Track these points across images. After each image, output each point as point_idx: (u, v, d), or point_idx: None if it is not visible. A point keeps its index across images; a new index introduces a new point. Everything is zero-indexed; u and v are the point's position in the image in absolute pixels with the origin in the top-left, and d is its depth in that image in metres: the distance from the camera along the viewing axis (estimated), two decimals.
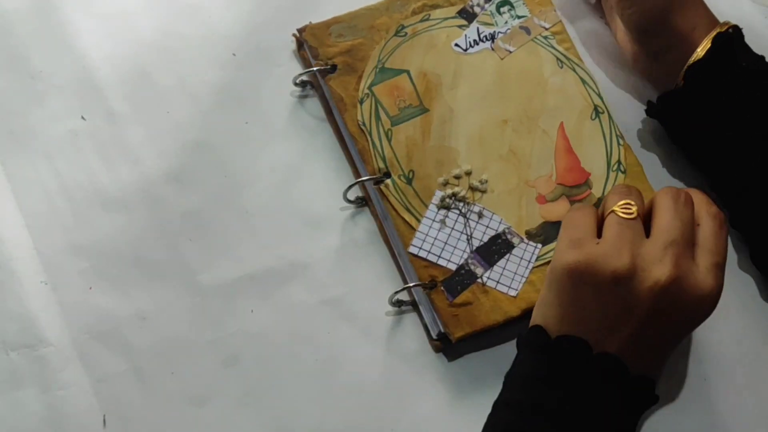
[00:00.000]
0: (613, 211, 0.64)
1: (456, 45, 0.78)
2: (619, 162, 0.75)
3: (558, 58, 0.78)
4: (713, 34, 0.73)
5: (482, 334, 0.71)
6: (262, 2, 0.81)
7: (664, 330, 0.63)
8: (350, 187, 0.74)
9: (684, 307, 0.62)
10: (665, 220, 0.64)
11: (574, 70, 0.78)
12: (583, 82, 0.78)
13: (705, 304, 0.63)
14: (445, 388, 0.71)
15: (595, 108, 0.77)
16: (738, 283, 0.76)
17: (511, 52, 0.78)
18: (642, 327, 0.62)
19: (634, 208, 0.64)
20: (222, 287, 0.73)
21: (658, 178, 0.78)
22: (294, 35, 0.79)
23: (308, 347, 0.72)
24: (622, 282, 0.61)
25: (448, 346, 0.72)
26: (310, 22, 0.77)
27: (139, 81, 0.78)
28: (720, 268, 0.64)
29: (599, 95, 0.78)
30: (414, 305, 0.73)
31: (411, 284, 0.72)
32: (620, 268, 0.61)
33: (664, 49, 0.75)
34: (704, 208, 0.66)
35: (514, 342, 0.67)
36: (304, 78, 0.78)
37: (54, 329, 0.70)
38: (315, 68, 0.76)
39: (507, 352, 0.68)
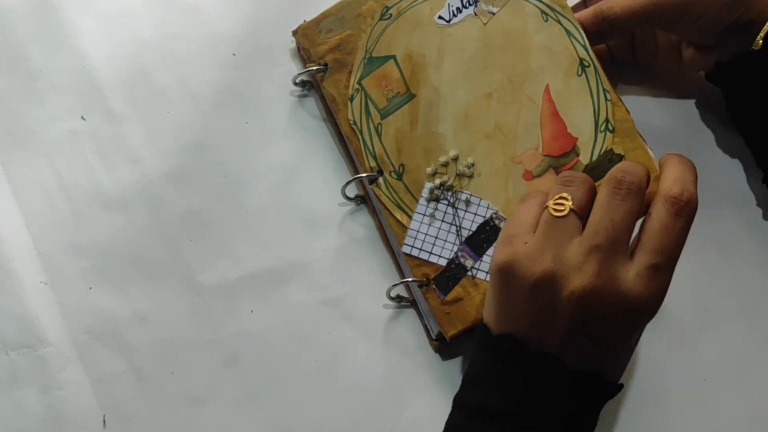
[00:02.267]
0: (547, 206, 0.61)
1: (439, 18, 0.73)
2: (607, 120, 0.70)
3: (542, 11, 0.72)
4: None
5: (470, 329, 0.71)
6: (262, 2, 0.81)
7: (597, 334, 0.59)
8: (347, 183, 0.74)
9: (608, 317, 0.59)
10: (595, 219, 0.59)
11: (559, 22, 0.71)
12: (569, 33, 0.71)
13: (633, 313, 0.59)
14: (444, 387, 0.71)
15: (581, 62, 0.71)
16: (739, 282, 0.76)
17: (494, 13, 0.72)
18: (570, 332, 0.59)
19: (567, 204, 0.60)
20: (222, 287, 0.73)
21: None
22: (294, 34, 0.79)
23: (308, 347, 0.72)
24: (541, 287, 0.59)
25: (446, 345, 0.72)
26: (304, 21, 0.77)
27: (139, 81, 0.78)
28: (656, 272, 0.59)
29: (584, 46, 0.71)
30: (414, 304, 0.73)
31: (408, 279, 0.72)
32: (538, 273, 0.59)
33: (740, 39, 0.74)
34: (665, 187, 0.60)
35: None
36: (304, 78, 0.78)
37: (54, 329, 0.70)
38: (308, 70, 0.76)
39: None
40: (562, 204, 0.60)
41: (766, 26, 0.73)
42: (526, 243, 0.60)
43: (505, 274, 0.60)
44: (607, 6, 0.72)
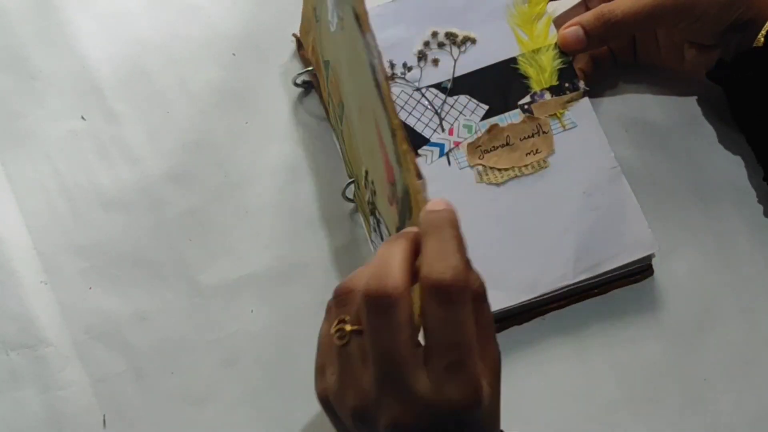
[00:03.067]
0: (331, 335, 0.52)
1: (330, 21, 0.65)
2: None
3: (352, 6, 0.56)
4: None
5: None
6: (262, 2, 0.81)
7: None
8: (347, 185, 0.75)
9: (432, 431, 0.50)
10: (367, 347, 0.50)
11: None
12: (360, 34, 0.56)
13: (451, 417, 0.49)
14: None
15: (371, 64, 0.55)
16: (739, 282, 0.76)
17: (342, 17, 0.61)
18: None
19: (346, 329, 0.51)
20: (222, 287, 0.73)
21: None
22: (294, 35, 0.79)
23: (308, 347, 0.72)
24: (357, 425, 0.51)
25: None
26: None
27: (139, 81, 0.78)
28: (454, 367, 0.49)
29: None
30: None
31: None
32: (348, 413, 0.51)
33: (741, 38, 0.74)
34: (424, 272, 0.49)
35: (500, 332, 0.70)
36: (305, 78, 0.78)
37: (54, 329, 0.70)
38: (307, 70, 0.77)
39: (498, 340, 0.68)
40: (341, 330, 0.52)
41: (767, 24, 0.73)
42: (332, 374, 0.53)
43: (328, 410, 0.54)
44: (609, 9, 0.72)
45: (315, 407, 0.70)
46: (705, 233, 0.77)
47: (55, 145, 0.75)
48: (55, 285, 0.71)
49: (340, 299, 0.53)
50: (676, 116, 0.81)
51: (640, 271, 0.75)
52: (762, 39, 0.73)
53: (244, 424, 0.70)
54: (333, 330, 0.52)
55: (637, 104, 0.81)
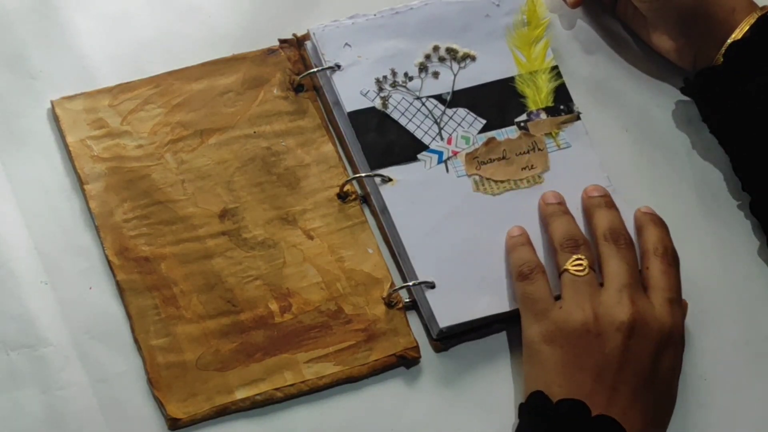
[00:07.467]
0: (566, 270, 0.69)
1: None
2: None
3: None
4: (755, 16, 0.75)
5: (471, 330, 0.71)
6: (262, 2, 0.81)
7: (650, 376, 0.66)
8: (345, 183, 0.75)
9: (653, 341, 0.66)
10: (613, 267, 0.69)
11: None
12: None
13: (671, 337, 0.67)
14: (444, 387, 0.71)
15: None
16: (740, 281, 0.76)
17: None
18: (624, 373, 0.65)
19: (585, 263, 0.69)
20: None
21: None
22: (294, 35, 0.79)
23: None
24: (591, 331, 0.66)
25: (447, 346, 0.72)
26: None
27: None
28: (673, 303, 0.68)
29: None
30: (414, 305, 0.73)
31: (408, 283, 0.72)
32: (584, 319, 0.66)
33: (704, 35, 0.76)
34: (651, 247, 0.71)
35: (500, 333, 0.71)
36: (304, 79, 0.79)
37: (54, 329, 0.69)
38: (308, 72, 0.77)
39: (498, 340, 0.71)
40: (580, 264, 0.69)
41: (726, 42, 0.74)
42: (560, 308, 0.67)
43: (552, 339, 0.66)
44: None
45: (314, 407, 0.70)
46: (705, 233, 0.77)
47: (55, 145, 0.75)
48: (55, 285, 0.71)
49: (572, 244, 0.70)
50: (676, 116, 0.81)
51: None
52: (721, 58, 0.75)
53: (245, 424, 0.70)
54: (570, 267, 0.68)
55: (637, 104, 0.82)
